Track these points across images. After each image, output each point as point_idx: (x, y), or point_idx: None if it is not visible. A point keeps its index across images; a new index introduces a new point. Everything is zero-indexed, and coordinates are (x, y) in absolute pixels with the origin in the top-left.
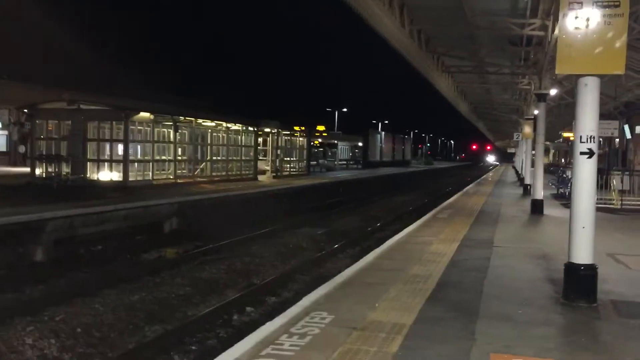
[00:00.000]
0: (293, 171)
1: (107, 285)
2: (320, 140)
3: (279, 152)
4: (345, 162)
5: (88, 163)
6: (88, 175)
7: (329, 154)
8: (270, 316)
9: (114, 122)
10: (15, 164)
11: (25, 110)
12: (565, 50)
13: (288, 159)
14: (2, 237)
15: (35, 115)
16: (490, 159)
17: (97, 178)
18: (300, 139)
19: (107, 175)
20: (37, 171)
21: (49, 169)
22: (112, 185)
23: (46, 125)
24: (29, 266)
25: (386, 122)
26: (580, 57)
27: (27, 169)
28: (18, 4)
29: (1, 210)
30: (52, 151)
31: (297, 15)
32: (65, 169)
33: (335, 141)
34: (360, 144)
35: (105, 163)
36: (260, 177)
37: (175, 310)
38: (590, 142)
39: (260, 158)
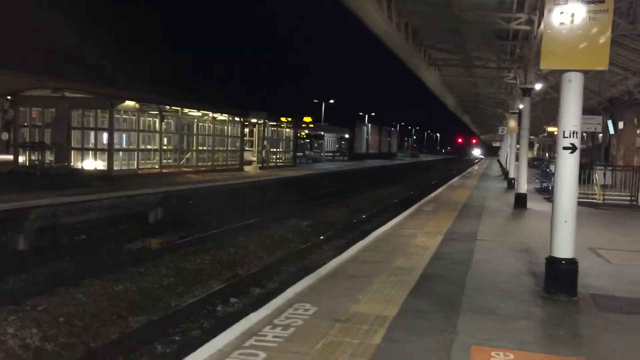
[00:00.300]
0: (279, 162)
1: (91, 275)
2: (306, 131)
3: (265, 143)
4: (331, 154)
5: (72, 151)
6: (72, 164)
7: (316, 145)
8: (255, 307)
9: (98, 111)
10: None
11: (9, 97)
12: (549, 45)
13: (274, 150)
14: None
15: (19, 102)
16: (477, 152)
17: (82, 167)
18: (287, 130)
19: (92, 164)
20: (20, 159)
21: (32, 157)
22: (96, 174)
23: (30, 113)
24: (11, 255)
25: (373, 114)
26: (564, 53)
27: (10, 157)
28: None
29: None
30: (35, 139)
31: (284, 7)
32: (49, 157)
33: (322, 133)
34: (346, 135)
35: (90, 152)
36: (247, 168)
37: (159, 300)
38: (573, 137)
39: (247, 149)
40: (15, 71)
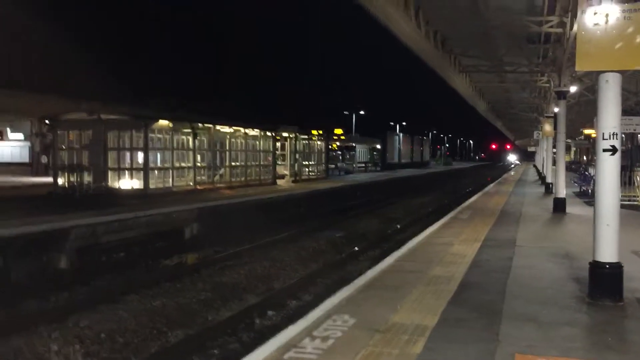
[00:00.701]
0: (312, 175)
1: (130, 292)
2: (338, 143)
3: (297, 156)
4: (363, 165)
5: (109, 172)
6: (109, 184)
7: (347, 157)
8: (292, 320)
9: (133, 131)
10: (37, 174)
11: (47, 121)
12: (584, 47)
13: (306, 162)
14: (26, 245)
15: (57, 125)
16: (512, 158)
17: (118, 186)
18: (318, 142)
19: (128, 183)
20: (60, 181)
21: (71, 179)
22: (133, 193)
23: (67, 136)
24: (53, 274)
25: (404, 123)
26: (600, 54)
27: (50, 179)
28: (34, 17)
29: (25, 220)
30: (73, 161)
31: (314, 19)
32: (87, 178)
33: (353, 144)
34: (378, 146)
35: (126, 171)
36: (279, 182)
37: (197, 315)
38: (613, 138)
39: (279, 163)
40: (53, 96)
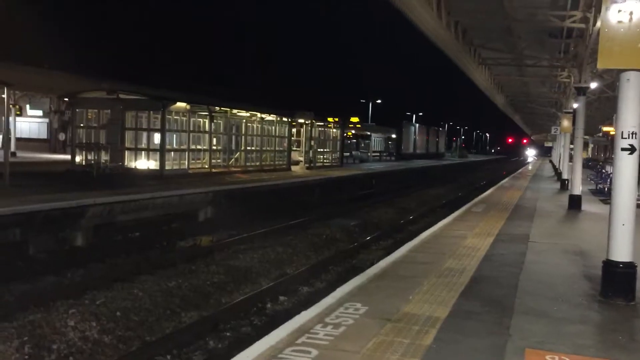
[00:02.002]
0: (326, 162)
1: (145, 272)
2: (353, 131)
3: (312, 143)
4: (378, 154)
5: (126, 152)
6: (126, 164)
7: (363, 145)
8: (303, 306)
9: (151, 112)
10: (55, 151)
11: (66, 99)
12: (607, 45)
13: (321, 150)
14: (44, 222)
15: (76, 104)
16: (530, 152)
17: (135, 166)
18: (334, 130)
19: (144, 163)
20: (77, 159)
21: (89, 157)
22: (148, 174)
23: (86, 114)
24: (69, 251)
25: (420, 114)
26: (622, 52)
27: (67, 156)
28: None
29: (43, 197)
30: (91, 139)
31: (333, 6)
32: (104, 157)
33: (369, 133)
34: (393, 135)
35: (143, 152)
36: (294, 168)
37: (210, 297)
38: (632, 138)
39: (294, 149)
40: (73, 74)
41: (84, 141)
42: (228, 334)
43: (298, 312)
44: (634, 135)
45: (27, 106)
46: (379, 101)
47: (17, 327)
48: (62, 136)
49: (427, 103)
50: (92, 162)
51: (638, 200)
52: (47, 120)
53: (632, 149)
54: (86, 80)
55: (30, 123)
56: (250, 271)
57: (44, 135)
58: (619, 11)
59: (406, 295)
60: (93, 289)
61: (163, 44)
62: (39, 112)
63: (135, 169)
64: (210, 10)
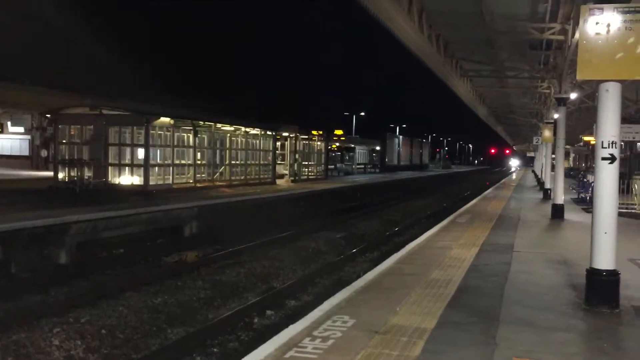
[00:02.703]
0: (311, 175)
1: (130, 288)
2: (338, 144)
3: (297, 156)
4: (363, 166)
5: (109, 167)
6: (109, 180)
7: (347, 158)
8: (291, 319)
9: (134, 127)
10: (37, 168)
11: (48, 115)
12: (585, 56)
13: (306, 163)
14: (27, 240)
15: (58, 120)
16: (514, 162)
17: (119, 182)
18: (318, 143)
19: (128, 179)
20: (60, 175)
21: (72, 173)
22: (133, 189)
23: (68, 130)
24: (53, 269)
25: (404, 125)
26: (601, 63)
27: (49, 173)
28: (39, 9)
29: (26, 214)
30: (74, 155)
31: (316, 19)
32: (87, 173)
33: (353, 145)
34: (377, 147)
35: (126, 167)
36: (279, 181)
37: (197, 312)
38: (612, 147)
39: (279, 162)
40: (54, 90)
41: (66, 157)
42: (215, 349)
43: (286, 326)
44: (613, 144)
45: (9, 123)
46: (362, 114)
47: (1, 347)
48: (44, 153)
49: (411, 115)
50: (75, 178)
51: (620, 208)
52: (28, 137)
53: (612, 158)
54: (68, 95)
55: (11, 140)
56: (237, 286)
57: (25, 152)
58: (597, 23)
59: (393, 307)
60: (77, 306)
61: (144, 57)
62: (21, 129)
63: (119, 185)
64: (193, 23)
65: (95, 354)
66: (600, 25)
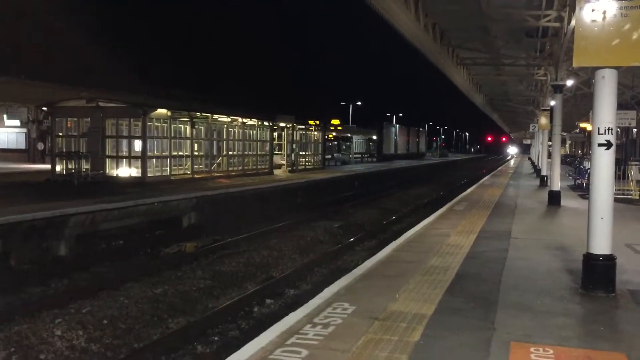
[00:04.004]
0: (308, 165)
1: (130, 279)
2: (334, 134)
3: (294, 146)
4: (360, 155)
5: (107, 159)
6: (107, 172)
7: (344, 147)
8: (290, 308)
9: (131, 119)
10: (33, 161)
11: (44, 108)
12: (581, 43)
13: (303, 153)
14: (26, 232)
15: (54, 113)
16: (512, 150)
17: (116, 174)
18: (315, 133)
19: (126, 171)
20: (57, 168)
21: (69, 166)
22: (130, 181)
23: (65, 123)
24: (53, 261)
25: (400, 115)
26: (597, 50)
27: (46, 166)
28: (33, 3)
29: (24, 207)
30: (71, 148)
31: (312, 9)
32: (85, 166)
33: (350, 135)
34: (374, 137)
35: (124, 159)
36: (276, 172)
37: (197, 302)
38: (608, 133)
39: (276, 152)
40: (51, 83)
41: (63, 150)
42: (216, 338)
43: (286, 314)
44: (610, 131)
45: (5, 116)
46: (359, 103)
47: (4, 338)
48: (40, 146)
49: (407, 104)
50: (73, 171)
51: (616, 194)
52: (25, 130)
53: (608, 145)
54: (65, 88)
55: (7, 133)
56: (236, 275)
57: (22, 145)
58: (593, 10)
59: (393, 294)
60: (78, 298)
61: (140, 49)
62: (17, 122)
63: (117, 177)
64: (189, 13)
65: (98, 343)
66: (596, 12)
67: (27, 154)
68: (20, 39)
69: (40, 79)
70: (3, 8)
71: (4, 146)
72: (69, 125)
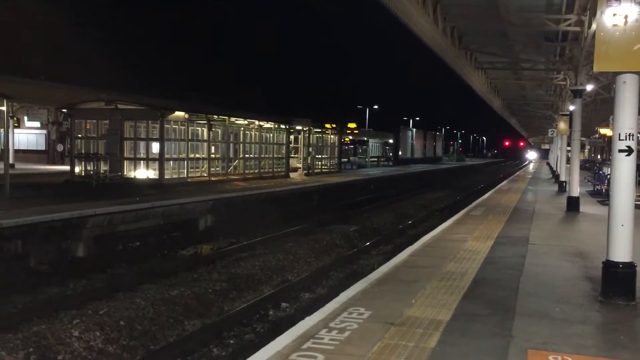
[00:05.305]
0: (324, 168)
1: (147, 281)
2: (351, 137)
3: (310, 149)
4: (376, 159)
5: (125, 161)
6: (125, 174)
7: (360, 151)
8: (306, 312)
9: (149, 121)
10: (53, 162)
11: (64, 110)
12: (603, 48)
13: (319, 156)
14: (45, 233)
15: (74, 114)
16: (531, 155)
17: (134, 176)
18: (332, 136)
19: (144, 173)
20: (76, 169)
21: (88, 167)
22: (148, 183)
23: (84, 125)
24: (71, 261)
25: (417, 118)
26: (618, 55)
27: (65, 167)
28: (52, 8)
29: (44, 208)
30: (90, 150)
31: (330, 12)
32: (103, 167)
33: (366, 138)
34: (391, 140)
35: (142, 161)
36: (292, 175)
37: (213, 305)
38: (629, 139)
39: (292, 156)
40: (71, 85)
41: (82, 152)
42: (232, 341)
43: (301, 318)
44: (631, 136)
45: (25, 118)
46: (375, 107)
47: (22, 338)
48: (60, 147)
49: (424, 108)
50: (92, 172)
51: (636, 200)
52: (45, 131)
53: (629, 151)
54: (84, 91)
55: (28, 135)
56: (252, 278)
57: (42, 146)
58: (614, 15)
59: (409, 299)
60: (96, 299)
61: (161, 54)
62: (37, 124)
63: (135, 179)
64: (210, 20)
65: (114, 344)
66: (618, 16)
67: (46, 155)
68: (40, 42)
69: (59, 80)
70: (20, 13)
71: (25, 147)
72: (88, 127)
